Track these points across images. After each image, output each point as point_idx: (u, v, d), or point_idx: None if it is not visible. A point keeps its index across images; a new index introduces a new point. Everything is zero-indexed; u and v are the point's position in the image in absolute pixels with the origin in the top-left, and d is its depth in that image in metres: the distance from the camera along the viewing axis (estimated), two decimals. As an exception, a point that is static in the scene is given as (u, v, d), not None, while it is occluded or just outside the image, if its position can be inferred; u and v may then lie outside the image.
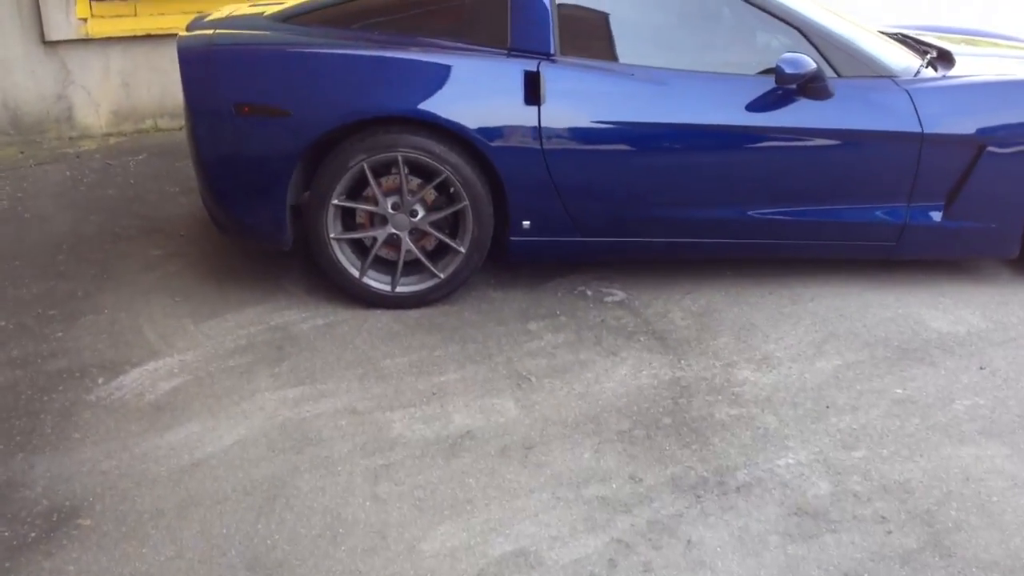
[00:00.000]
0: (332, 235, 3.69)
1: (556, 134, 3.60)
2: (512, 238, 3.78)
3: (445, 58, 3.61)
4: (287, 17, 4.00)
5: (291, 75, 3.55)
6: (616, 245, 3.88)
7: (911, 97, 3.71)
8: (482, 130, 3.55)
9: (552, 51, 3.67)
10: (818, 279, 4.08)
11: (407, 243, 3.73)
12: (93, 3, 6.17)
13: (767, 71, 3.75)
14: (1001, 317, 3.78)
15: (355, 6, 4.00)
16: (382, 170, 3.66)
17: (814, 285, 4.03)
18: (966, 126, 3.73)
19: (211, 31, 3.83)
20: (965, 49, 4.46)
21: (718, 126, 3.67)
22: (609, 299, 3.92)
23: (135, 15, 6.32)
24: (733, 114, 3.66)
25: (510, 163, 3.62)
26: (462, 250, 3.74)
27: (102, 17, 6.26)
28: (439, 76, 3.57)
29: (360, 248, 3.81)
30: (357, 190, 3.71)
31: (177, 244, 4.46)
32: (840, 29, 3.85)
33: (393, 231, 3.71)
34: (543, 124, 3.58)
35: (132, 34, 6.36)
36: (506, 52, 3.68)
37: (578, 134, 3.62)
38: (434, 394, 3.19)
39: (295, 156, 3.54)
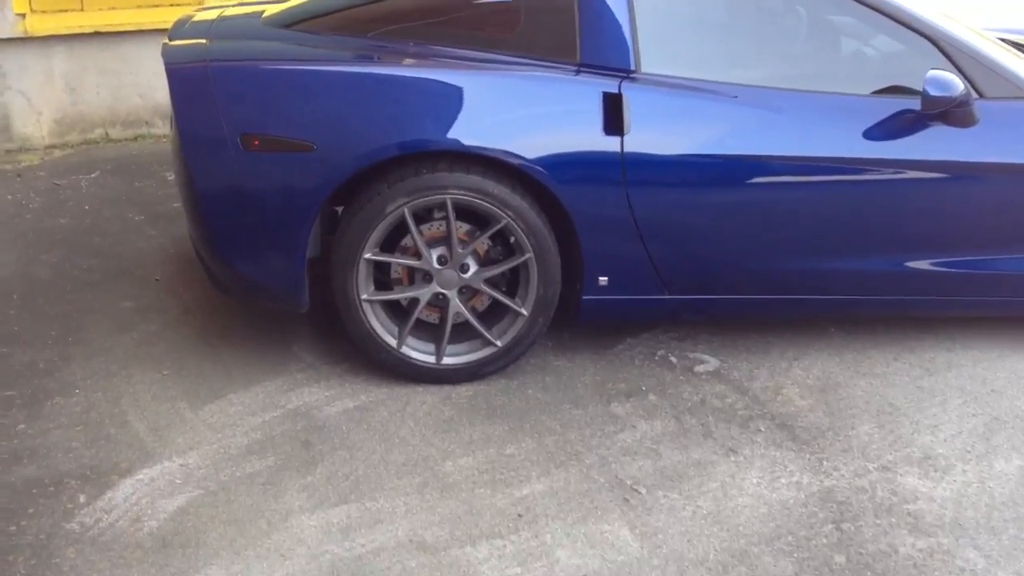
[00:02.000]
0: (364, 296, 3.09)
1: (643, 170, 3.03)
2: (585, 297, 3.22)
3: (503, 77, 3.05)
4: (291, 22, 3.41)
5: (314, 100, 2.95)
6: (711, 304, 3.35)
7: (1068, 122, 3.23)
8: (551, 166, 2.98)
9: (633, 67, 3.11)
10: (945, 339, 3.58)
11: (456, 304, 3.16)
12: (34, -6, 5.52)
13: (888, 90, 3.21)
14: None
15: (377, 9, 3.41)
16: (424, 215, 3.11)
17: (943, 348, 3.52)
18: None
19: (204, 41, 3.23)
20: None
21: (842, 159, 3.12)
22: (700, 368, 3.38)
23: (82, 9, 5.69)
24: (860, 145, 3.11)
25: (586, 206, 3.06)
26: (524, 312, 3.17)
27: (43, 12, 5.62)
28: (497, 100, 3.01)
29: (396, 309, 3.24)
30: (393, 240, 3.13)
31: (153, 293, 3.85)
32: (975, 40, 3.35)
33: (439, 290, 3.13)
34: (627, 158, 3.01)
35: (78, 31, 5.72)
36: (575, 68, 3.11)
37: (671, 169, 3.06)
38: (521, 516, 2.62)
39: (318, 200, 2.95)
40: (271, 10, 3.60)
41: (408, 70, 3.04)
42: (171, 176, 5.25)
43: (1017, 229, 3.31)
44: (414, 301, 3.16)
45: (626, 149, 3.01)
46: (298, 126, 2.91)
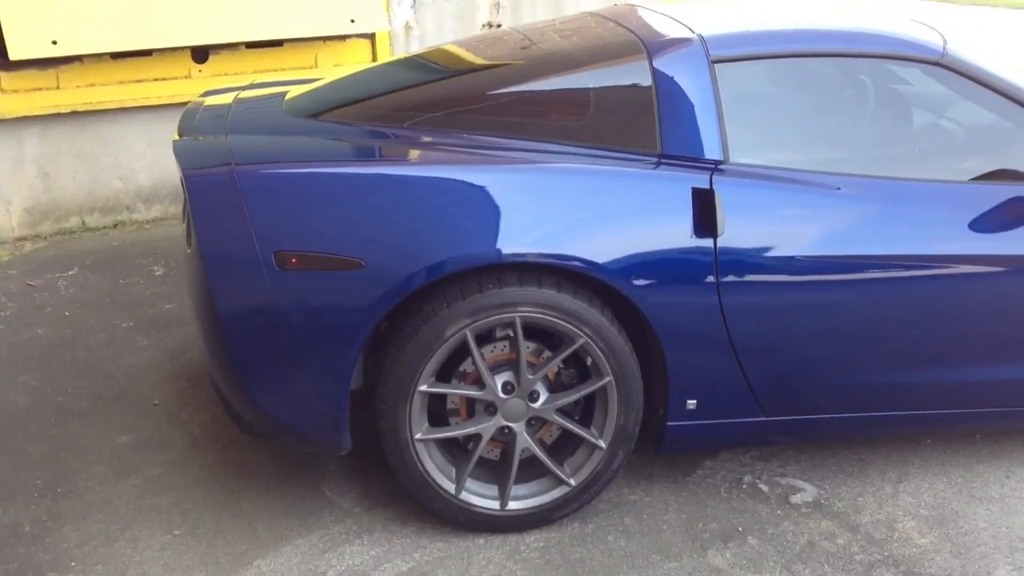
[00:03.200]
0: (418, 435, 2.65)
1: (740, 275, 2.62)
2: (671, 424, 2.78)
3: (576, 174, 2.61)
4: (319, 110, 3.01)
5: (361, 208, 2.50)
6: (811, 425, 2.90)
7: None
8: (634, 274, 2.56)
9: (722, 157, 2.74)
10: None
11: (525, 439, 2.71)
12: (3, 73, 5.05)
13: (993, 174, 2.85)
14: None
15: (420, 95, 3.04)
16: (485, 336, 2.66)
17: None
18: None
19: (224, 137, 2.80)
20: None
21: (960, 257, 2.73)
22: (797, 499, 2.94)
23: (57, 87, 5.19)
24: (976, 240, 2.74)
25: (674, 319, 2.63)
26: (601, 444, 2.73)
27: (16, 92, 5.11)
28: (570, 199, 2.57)
29: (450, 445, 2.77)
30: (448, 365, 2.69)
31: (152, 422, 3.34)
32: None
33: (505, 423, 2.69)
34: (721, 262, 2.61)
35: (53, 111, 5.22)
36: (655, 160, 2.70)
37: (772, 274, 2.64)
38: None
39: (368, 325, 2.49)
40: (293, 94, 3.20)
41: (467, 169, 2.60)
42: (159, 271, 4.79)
43: None
44: (475, 437, 2.71)
45: (720, 252, 2.61)
46: (344, 240, 2.46)
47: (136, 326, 4.15)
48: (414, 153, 2.75)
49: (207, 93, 3.49)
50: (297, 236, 2.46)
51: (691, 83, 2.75)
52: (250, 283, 2.48)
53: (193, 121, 3.02)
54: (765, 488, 3.00)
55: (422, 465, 2.67)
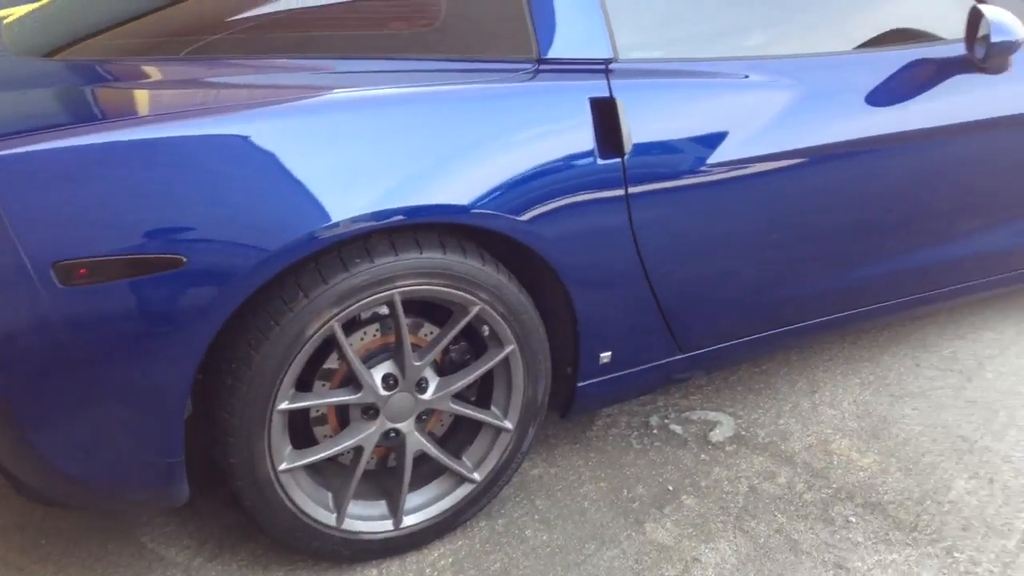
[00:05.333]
0: (282, 466, 2.00)
1: (653, 198, 2.13)
2: (581, 384, 2.32)
3: (432, 99, 1.96)
4: (57, 44, 2.16)
5: (165, 186, 1.73)
6: (727, 353, 2.50)
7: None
8: (527, 215, 2.00)
9: (612, 55, 2.18)
10: (948, 326, 3.05)
11: (417, 439, 2.13)
12: None
13: (888, 37, 2.55)
14: None
15: (194, 9, 2.28)
16: (349, 322, 2.04)
17: (954, 337, 2.98)
18: None
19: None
20: None
21: (898, 135, 2.40)
22: (716, 435, 2.58)
23: None
24: (911, 113, 2.41)
25: (581, 260, 2.12)
26: (508, 425, 2.21)
27: None
28: (439, 132, 1.94)
29: (321, 464, 2.13)
30: (308, 368, 2.03)
31: None
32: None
33: (391, 426, 2.14)
34: (631, 184, 2.14)
35: None
36: (532, 67, 2.12)
37: (687, 190, 2.18)
38: None
39: (201, 340, 1.78)
40: (12, 18, 2.35)
41: (287, 112, 1.84)
42: None
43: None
44: (356, 452, 2.09)
45: (629, 172, 2.09)
46: (153, 233, 1.72)
47: None
48: (211, 96, 1.99)
49: None
50: (80, 238, 1.68)
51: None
52: (23, 311, 1.71)
53: None
54: (678, 429, 2.62)
55: (291, 501, 2.03)
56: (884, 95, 2.43)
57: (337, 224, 1.81)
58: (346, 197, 1.83)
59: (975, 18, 2.44)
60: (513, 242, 2.06)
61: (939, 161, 2.52)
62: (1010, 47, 2.38)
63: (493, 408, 2.22)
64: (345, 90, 1.95)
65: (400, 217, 1.87)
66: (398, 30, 2.22)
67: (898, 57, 2.48)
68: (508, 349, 2.13)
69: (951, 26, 2.58)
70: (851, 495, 2.36)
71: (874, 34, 2.57)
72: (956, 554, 2.16)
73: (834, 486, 2.39)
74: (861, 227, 2.50)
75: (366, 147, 1.88)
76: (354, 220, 1.82)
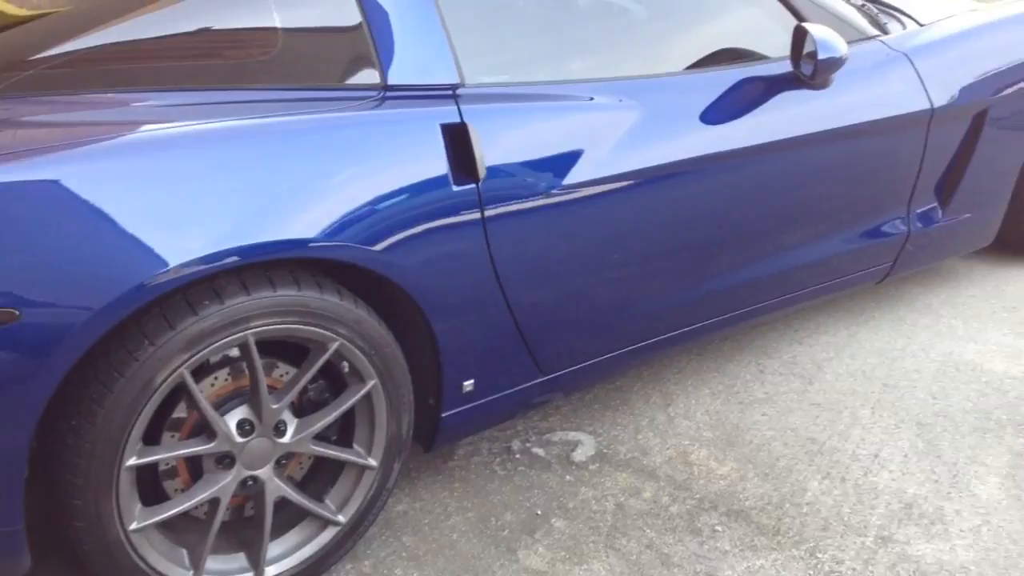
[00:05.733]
0: (133, 526, 1.85)
1: (510, 221, 2.11)
2: (446, 414, 2.27)
3: (274, 131, 1.87)
4: None
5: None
6: (587, 372, 2.50)
7: (912, 63, 2.87)
8: (382, 244, 1.94)
9: (459, 80, 2.15)
10: (786, 331, 3.14)
11: (277, 486, 2.02)
12: None
13: (720, 56, 2.62)
14: None
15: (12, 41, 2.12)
16: (199, 371, 1.91)
17: (792, 342, 3.06)
18: (975, 89, 2.92)
19: None
20: None
21: (734, 152, 2.45)
22: (578, 456, 2.56)
23: None
24: (744, 130, 2.47)
25: (441, 288, 2.07)
26: (372, 463, 2.12)
27: None
28: (276, 164, 1.84)
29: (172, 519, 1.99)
30: (156, 423, 1.89)
31: None
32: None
33: (248, 474, 2.02)
34: (487, 209, 2.10)
35: None
36: (378, 93, 2.05)
37: (543, 213, 2.17)
38: None
39: (38, 398, 1.63)
40: None
41: (114, 148, 1.73)
42: None
43: (861, 198, 2.86)
44: (211, 505, 1.96)
45: (484, 197, 2.07)
46: None
47: None
48: (22, 137, 1.84)
49: None
50: None
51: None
52: None
53: None
54: (540, 452, 2.60)
55: (144, 562, 1.88)
56: (720, 114, 2.49)
57: (166, 272, 1.69)
58: (174, 242, 1.72)
59: (800, 36, 2.53)
60: (370, 273, 2.01)
61: (773, 175, 2.60)
62: (836, 63, 2.48)
63: (356, 446, 2.14)
64: (169, 125, 1.84)
65: (234, 258, 1.77)
66: (232, 59, 2.12)
67: (731, 76, 2.55)
68: (370, 384, 2.06)
69: (775, 45, 2.70)
70: (715, 504, 2.40)
71: (706, 54, 2.65)
72: (819, 554, 2.22)
73: (697, 496, 2.42)
74: (703, 242, 2.55)
75: (194, 186, 1.77)
76: (184, 266, 1.71)
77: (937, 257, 3.29)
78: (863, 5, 3.12)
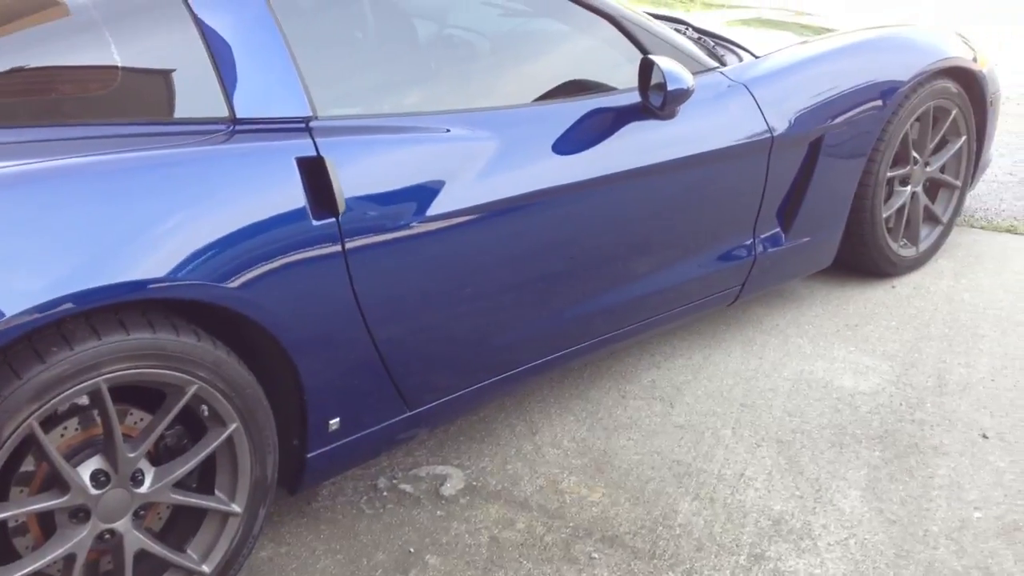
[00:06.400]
0: None
1: (371, 255, 2.10)
2: (311, 455, 2.21)
3: (114, 164, 1.81)
4: None
5: None
6: (453, 405, 2.49)
7: (751, 93, 2.97)
8: (240, 281, 1.89)
9: (311, 112, 2.11)
10: (643, 355, 3.17)
11: (136, 538, 1.93)
12: None
13: (568, 87, 2.67)
14: (895, 345, 3.22)
15: None
16: (48, 421, 1.82)
17: (651, 366, 3.10)
18: (811, 117, 3.03)
19: None
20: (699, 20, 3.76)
21: (586, 182, 2.49)
22: (447, 490, 2.53)
23: None
24: (595, 160, 2.51)
25: (304, 325, 2.04)
26: (236, 509, 2.05)
27: None
28: (116, 203, 1.78)
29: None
30: (3, 477, 1.80)
31: None
32: (642, 16, 2.91)
33: (105, 527, 1.90)
34: (348, 245, 2.07)
35: None
36: (227, 127, 2.01)
37: (405, 246, 2.16)
38: None
39: None
40: None
41: None
42: None
43: (708, 224, 2.95)
44: (67, 564, 1.85)
45: (344, 231, 2.04)
46: None
47: None
48: None
49: None
50: None
51: (245, 18, 2.09)
52: None
53: None
54: (409, 487, 2.56)
55: (-7, 634, 1.83)
56: (573, 144, 2.53)
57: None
58: (5, 290, 1.63)
59: (647, 68, 2.61)
60: (228, 312, 1.95)
61: (625, 204, 2.66)
62: (685, 94, 2.56)
63: (218, 492, 2.07)
64: (16, 164, 1.77)
65: (69, 305, 1.69)
66: (68, 95, 2.03)
67: (583, 107, 2.60)
68: (231, 428, 2.00)
69: (621, 76, 2.76)
70: (589, 532, 2.41)
71: (556, 86, 2.70)
72: (696, 565, 2.27)
73: (571, 525, 2.43)
74: (560, 272, 2.59)
75: (24, 230, 1.69)
76: (17, 316, 1.62)
77: (782, 279, 3.43)
78: (699, 38, 3.25)
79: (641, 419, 2.87)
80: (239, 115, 2.04)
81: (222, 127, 2.03)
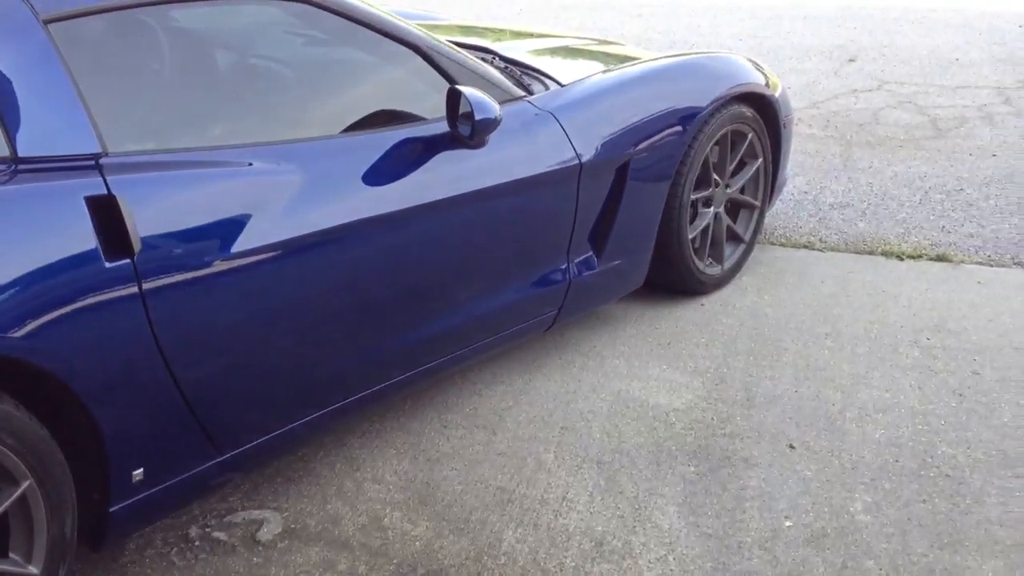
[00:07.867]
0: None
1: (171, 298, 2.01)
2: (114, 508, 2.08)
3: None
4: None
5: None
6: (268, 446, 2.41)
7: (558, 121, 3.00)
8: (32, 334, 1.78)
9: (101, 149, 2.01)
10: (461, 381, 3.17)
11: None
12: None
13: (376, 118, 2.64)
14: (706, 361, 3.31)
15: None
16: None
17: (470, 393, 3.09)
18: (616, 143, 3.11)
19: None
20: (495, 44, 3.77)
21: (405, 211, 2.48)
22: (264, 535, 2.43)
23: None
24: (406, 190, 2.50)
25: (102, 375, 1.94)
26: (33, 571, 1.91)
27: None
28: None
29: None
30: None
31: None
32: (448, 46, 2.90)
33: None
34: (146, 286, 1.97)
35: None
36: (8, 166, 1.89)
37: (208, 283, 2.08)
38: None
39: None
40: None
41: None
42: None
43: (523, 251, 2.98)
44: None
45: (141, 271, 1.96)
46: None
47: None
48: None
49: None
50: None
51: (23, 52, 1.99)
52: None
53: None
54: (222, 535, 2.45)
55: None
56: (383, 175, 2.51)
57: None
58: None
59: (454, 98, 2.62)
60: (16, 363, 1.83)
61: (438, 234, 2.65)
62: (493, 124, 2.58)
63: (12, 555, 1.93)
64: None
65: None
66: None
67: (392, 137, 2.58)
68: (24, 486, 1.87)
69: (428, 106, 2.76)
70: (413, 567, 2.37)
71: (362, 116, 2.68)
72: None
73: (395, 561, 2.38)
74: (374, 305, 2.56)
75: None
76: None
77: (597, 302, 3.50)
78: (506, 67, 3.30)
79: (464, 448, 2.86)
80: (21, 154, 1.92)
81: (2, 167, 1.91)
